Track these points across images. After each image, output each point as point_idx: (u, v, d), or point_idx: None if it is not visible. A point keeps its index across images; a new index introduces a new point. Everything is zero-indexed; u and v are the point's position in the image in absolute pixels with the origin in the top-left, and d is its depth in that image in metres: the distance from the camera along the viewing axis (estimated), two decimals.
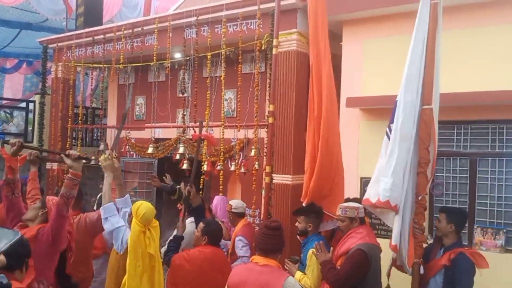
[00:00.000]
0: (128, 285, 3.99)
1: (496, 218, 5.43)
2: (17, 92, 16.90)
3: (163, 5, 12.52)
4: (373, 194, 4.03)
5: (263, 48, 6.65)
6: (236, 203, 5.85)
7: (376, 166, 4.19)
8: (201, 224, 4.58)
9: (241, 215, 5.82)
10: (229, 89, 7.50)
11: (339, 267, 4.05)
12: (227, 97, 7.83)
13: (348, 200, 5.22)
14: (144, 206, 4.18)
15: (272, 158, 5.95)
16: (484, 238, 5.42)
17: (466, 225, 5.49)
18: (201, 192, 6.75)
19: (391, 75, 5.50)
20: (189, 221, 5.46)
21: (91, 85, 12.77)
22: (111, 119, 9.91)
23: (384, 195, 3.88)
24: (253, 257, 3.59)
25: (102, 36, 8.54)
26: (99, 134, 10.00)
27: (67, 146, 9.19)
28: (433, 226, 5.54)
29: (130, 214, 4.39)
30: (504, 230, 5.33)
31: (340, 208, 4.38)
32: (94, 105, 13.14)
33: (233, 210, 5.76)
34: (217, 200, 6.42)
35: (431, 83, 3.87)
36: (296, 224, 4.83)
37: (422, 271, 3.98)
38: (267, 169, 5.52)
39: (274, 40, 5.51)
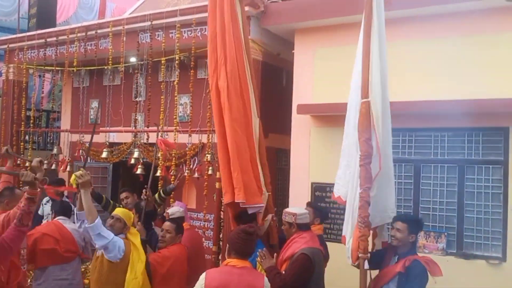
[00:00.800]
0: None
1: (438, 222, 5.66)
2: None
3: (120, 7, 12.39)
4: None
5: None
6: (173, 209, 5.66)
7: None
8: (171, 224, 4.71)
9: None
10: (184, 94, 7.52)
11: (284, 272, 4.14)
12: (182, 102, 7.85)
13: (307, 204, 5.38)
14: (120, 211, 4.50)
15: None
16: (427, 242, 5.64)
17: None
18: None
19: (342, 83, 5.60)
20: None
21: (44, 88, 12.54)
22: (65, 122, 9.75)
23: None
24: (228, 260, 3.63)
25: (55, 38, 8.39)
26: (52, 137, 9.80)
27: (20, 150, 9.01)
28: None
29: None
30: (446, 234, 5.57)
31: (283, 213, 4.46)
32: (51, 107, 12.87)
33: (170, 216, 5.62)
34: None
35: (367, 77, 3.95)
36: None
37: (366, 267, 3.99)
38: (218, 174, 5.57)
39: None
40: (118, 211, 4.63)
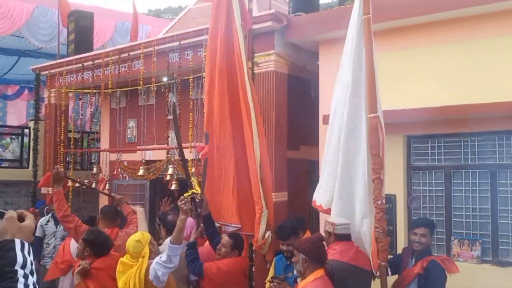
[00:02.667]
0: None
1: (472, 229, 5.51)
2: (21, 118, 17.28)
3: (155, 30, 12.80)
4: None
5: None
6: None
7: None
8: (228, 239, 4.75)
9: None
10: None
11: None
12: None
13: None
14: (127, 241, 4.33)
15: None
16: (461, 250, 5.49)
17: (444, 237, 5.60)
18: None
19: None
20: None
21: (90, 110, 13.06)
22: (104, 142, 10.09)
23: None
24: (317, 272, 3.60)
25: (91, 62, 8.76)
26: (92, 157, 10.19)
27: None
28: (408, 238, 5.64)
29: None
30: (480, 241, 5.40)
31: (325, 222, 4.42)
32: (89, 129, 13.39)
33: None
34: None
35: (374, 92, 4.09)
36: (284, 248, 4.83)
37: (389, 274, 4.10)
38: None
39: (248, 62, 5.67)
40: None
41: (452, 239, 5.56)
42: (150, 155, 8.88)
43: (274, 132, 6.62)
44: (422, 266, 4.18)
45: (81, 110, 9.40)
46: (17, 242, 1.62)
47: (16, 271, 1.55)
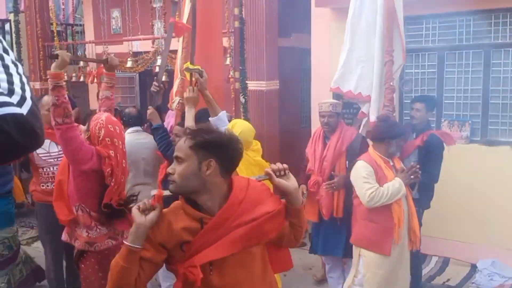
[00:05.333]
0: None
1: (462, 110, 5.55)
2: (1, 13, 16.43)
3: None
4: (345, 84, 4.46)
5: None
6: None
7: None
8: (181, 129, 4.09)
9: None
10: None
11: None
12: None
13: None
14: (240, 124, 3.76)
15: (244, 64, 5.97)
16: (450, 130, 5.56)
17: (434, 118, 5.66)
18: None
19: None
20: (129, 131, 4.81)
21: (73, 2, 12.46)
22: (89, 34, 9.77)
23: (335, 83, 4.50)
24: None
25: None
26: (78, 51, 9.90)
27: (47, 65, 9.16)
28: (400, 121, 5.70)
29: None
30: (470, 122, 5.48)
31: (331, 104, 4.39)
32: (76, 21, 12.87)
33: None
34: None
35: None
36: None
37: None
38: (236, 75, 5.55)
39: None
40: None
41: (442, 120, 5.62)
42: (138, 46, 8.63)
43: (264, 18, 6.38)
44: (422, 139, 4.43)
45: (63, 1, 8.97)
46: None
47: None
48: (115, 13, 9.06)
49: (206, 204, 2.06)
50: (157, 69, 7.57)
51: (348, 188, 4.07)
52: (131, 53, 8.25)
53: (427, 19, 5.59)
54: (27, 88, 1.13)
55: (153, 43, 7.52)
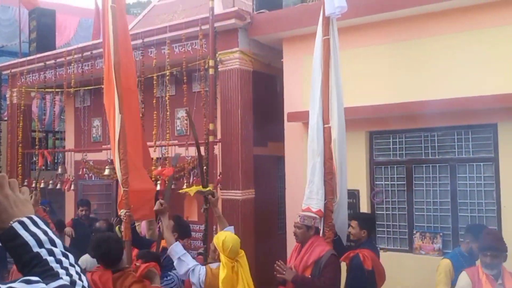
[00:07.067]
0: None
1: (433, 222, 5.64)
2: None
3: None
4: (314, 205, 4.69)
5: (207, 67, 6.79)
6: None
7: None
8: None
9: None
10: (181, 107, 7.61)
11: (320, 277, 4.14)
12: (180, 115, 7.94)
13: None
14: (230, 238, 3.89)
15: (217, 175, 6.08)
16: (423, 242, 5.61)
17: (406, 230, 5.71)
18: None
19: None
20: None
21: (54, 110, 12.80)
22: (69, 142, 9.92)
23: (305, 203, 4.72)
24: None
25: (53, 61, 8.59)
26: (58, 158, 10.01)
27: (26, 171, 9.20)
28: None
29: None
30: (441, 234, 5.53)
31: (299, 216, 4.51)
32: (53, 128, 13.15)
33: None
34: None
35: (327, 104, 4.62)
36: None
37: None
38: (210, 186, 5.61)
39: (210, 61, 5.67)
40: None
41: (414, 232, 5.68)
42: None
43: (240, 130, 6.62)
44: (348, 256, 4.56)
45: (45, 110, 9.22)
46: (17, 225, 1.24)
47: (38, 253, 1.20)
48: (96, 122, 9.29)
49: None
50: None
51: None
52: (109, 160, 8.35)
53: (394, 134, 5.85)
54: (83, 278, 1.22)
55: None
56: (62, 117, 13.96)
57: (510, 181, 5.08)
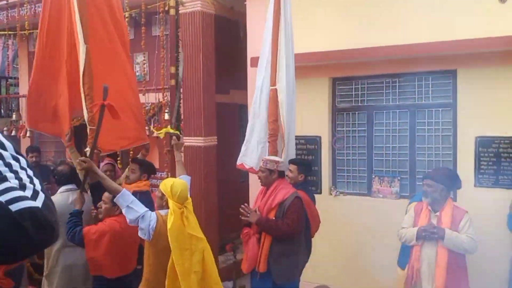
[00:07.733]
0: (179, 271, 3.66)
1: (392, 167, 5.77)
2: None
3: None
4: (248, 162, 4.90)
5: (167, 9, 6.55)
6: None
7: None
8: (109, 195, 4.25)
9: None
10: (140, 52, 7.38)
11: (284, 218, 4.19)
12: (139, 60, 7.71)
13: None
14: (178, 183, 3.87)
15: (180, 120, 5.97)
16: (381, 186, 5.76)
17: (365, 175, 5.84)
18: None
19: (295, 34, 5.60)
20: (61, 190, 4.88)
21: (8, 54, 12.18)
22: (23, 87, 9.54)
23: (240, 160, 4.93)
24: None
25: (4, 2, 8.10)
26: (11, 104, 9.62)
27: None
28: (333, 178, 5.86)
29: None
30: (399, 178, 5.68)
31: (262, 160, 4.54)
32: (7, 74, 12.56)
33: None
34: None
35: (275, 66, 4.63)
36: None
37: None
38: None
39: (171, 1, 5.45)
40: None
41: (373, 176, 5.81)
42: None
43: (201, 75, 6.49)
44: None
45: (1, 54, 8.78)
46: None
47: None
48: None
49: None
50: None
51: (273, 241, 4.22)
52: None
53: (356, 80, 5.87)
54: (36, 181, 1.12)
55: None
56: (15, 65, 13.41)
57: (467, 127, 5.21)
